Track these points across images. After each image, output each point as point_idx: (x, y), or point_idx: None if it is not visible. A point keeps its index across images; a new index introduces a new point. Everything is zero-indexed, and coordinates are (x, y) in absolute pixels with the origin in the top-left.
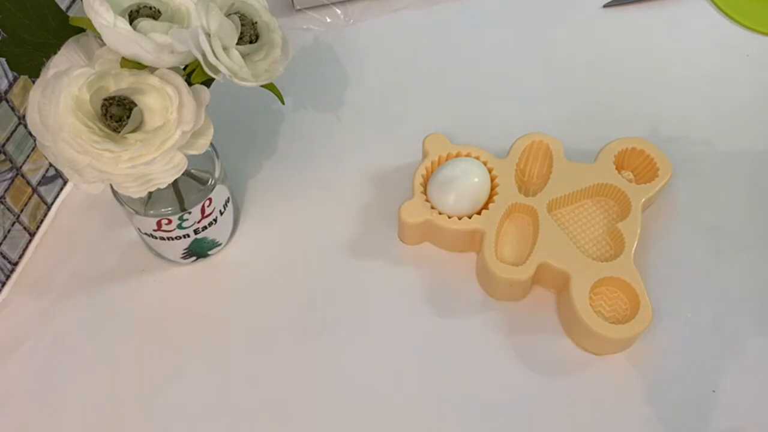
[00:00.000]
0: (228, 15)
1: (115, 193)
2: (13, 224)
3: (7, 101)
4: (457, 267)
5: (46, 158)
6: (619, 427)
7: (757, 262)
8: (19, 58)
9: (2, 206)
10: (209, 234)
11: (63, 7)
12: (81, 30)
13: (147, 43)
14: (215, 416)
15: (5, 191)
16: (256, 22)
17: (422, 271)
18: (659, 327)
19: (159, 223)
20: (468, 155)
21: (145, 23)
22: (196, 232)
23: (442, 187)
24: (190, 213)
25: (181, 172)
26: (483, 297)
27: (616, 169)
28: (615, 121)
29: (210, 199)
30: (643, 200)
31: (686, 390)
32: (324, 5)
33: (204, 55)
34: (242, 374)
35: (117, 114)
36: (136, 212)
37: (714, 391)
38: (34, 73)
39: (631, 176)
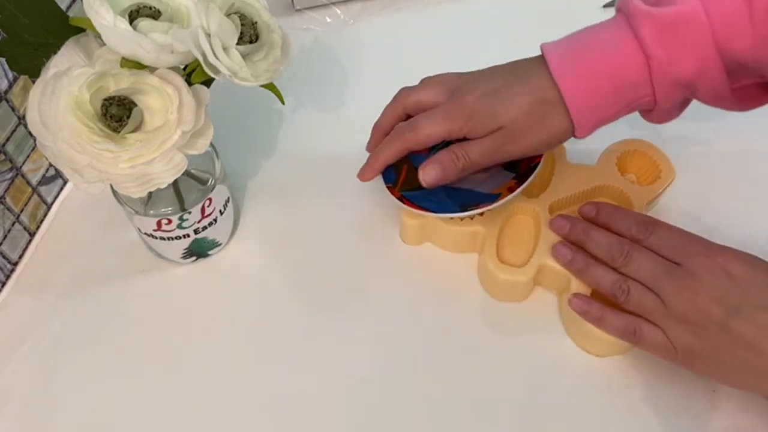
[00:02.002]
0: (228, 15)
1: (115, 193)
2: (13, 224)
3: (7, 101)
4: (459, 267)
5: (46, 158)
6: (619, 428)
7: None
8: (19, 58)
9: (2, 206)
10: (209, 234)
11: (63, 7)
12: (81, 30)
13: (147, 43)
14: (215, 416)
15: (5, 191)
16: (256, 22)
17: (423, 271)
18: None
19: (159, 223)
20: None
21: (145, 23)
22: (196, 232)
23: None
24: (190, 213)
25: (181, 172)
26: (484, 297)
27: (619, 171)
28: (616, 122)
29: (210, 199)
30: (645, 202)
31: (686, 390)
32: (324, 5)
33: (204, 55)
34: (242, 374)
35: (117, 114)
36: (136, 212)
37: (714, 391)
38: (34, 73)
39: (634, 178)
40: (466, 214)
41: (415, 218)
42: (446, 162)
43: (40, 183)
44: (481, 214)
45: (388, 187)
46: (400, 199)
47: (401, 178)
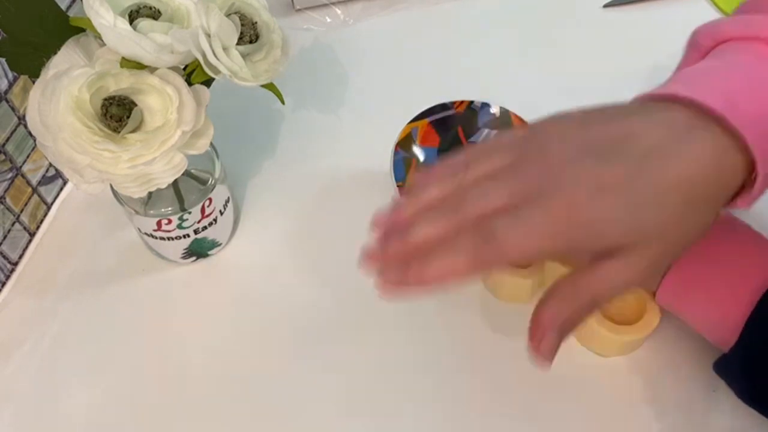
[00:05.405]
0: (228, 15)
1: (115, 193)
2: (13, 224)
3: (7, 101)
4: None
5: (46, 158)
6: (620, 427)
7: None
8: (19, 58)
9: (2, 206)
10: (209, 234)
11: (63, 7)
12: (81, 30)
13: (147, 43)
14: (215, 416)
15: (5, 191)
16: (256, 22)
17: None
18: (661, 327)
19: (159, 223)
20: None
21: (145, 23)
22: (196, 232)
23: None
24: (190, 213)
25: (181, 172)
26: (489, 298)
27: None
28: None
29: (210, 199)
30: None
31: (686, 390)
32: (324, 5)
33: (204, 55)
34: (242, 374)
35: (117, 114)
36: (136, 212)
37: (714, 391)
38: (34, 73)
39: None
40: None
41: None
42: None
43: (40, 183)
44: None
45: (399, 186)
46: None
47: (411, 174)
